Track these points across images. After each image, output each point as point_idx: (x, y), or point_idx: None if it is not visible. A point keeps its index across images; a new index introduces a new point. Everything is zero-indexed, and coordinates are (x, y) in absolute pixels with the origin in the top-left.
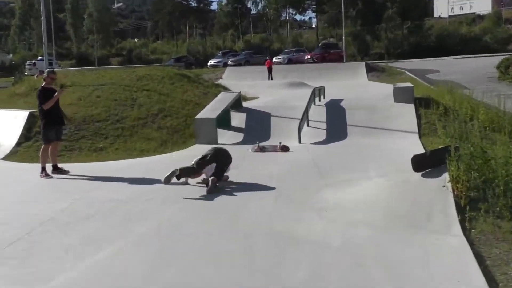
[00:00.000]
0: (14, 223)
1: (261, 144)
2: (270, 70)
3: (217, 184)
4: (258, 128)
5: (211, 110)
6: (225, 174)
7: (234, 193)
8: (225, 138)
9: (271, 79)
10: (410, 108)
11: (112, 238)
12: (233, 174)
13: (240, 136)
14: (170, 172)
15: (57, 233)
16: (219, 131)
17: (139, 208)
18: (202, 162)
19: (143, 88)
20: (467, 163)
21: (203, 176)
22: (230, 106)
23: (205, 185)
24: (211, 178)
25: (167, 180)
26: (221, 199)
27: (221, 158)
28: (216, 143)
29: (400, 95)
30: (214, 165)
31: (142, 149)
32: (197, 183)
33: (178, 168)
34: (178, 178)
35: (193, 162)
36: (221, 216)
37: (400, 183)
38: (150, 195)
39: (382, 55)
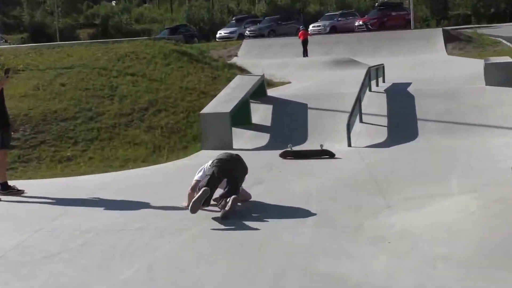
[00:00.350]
0: None
1: (295, 148)
2: (305, 44)
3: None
4: (289, 126)
5: (222, 102)
6: (245, 191)
7: (259, 218)
8: (243, 140)
9: (307, 55)
10: (510, 94)
11: (86, 286)
12: (256, 191)
13: (264, 138)
14: (200, 192)
15: (7, 279)
16: (235, 131)
17: (124, 243)
18: (213, 182)
19: (126, 71)
20: None
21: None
22: (250, 96)
23: (217, 207)
24: (233, 197)
25: (196, 207)
26: (241, 227)
27: (232, 171)
28: (230, 148)
29: (495, 75)
30: (224, 180)
31: (126, 158)
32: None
33: (208, 188)
34: (206, 204)
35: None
36: (242, 252)
37: (495, 202)
38: (140, 223)
39: (467, 17)
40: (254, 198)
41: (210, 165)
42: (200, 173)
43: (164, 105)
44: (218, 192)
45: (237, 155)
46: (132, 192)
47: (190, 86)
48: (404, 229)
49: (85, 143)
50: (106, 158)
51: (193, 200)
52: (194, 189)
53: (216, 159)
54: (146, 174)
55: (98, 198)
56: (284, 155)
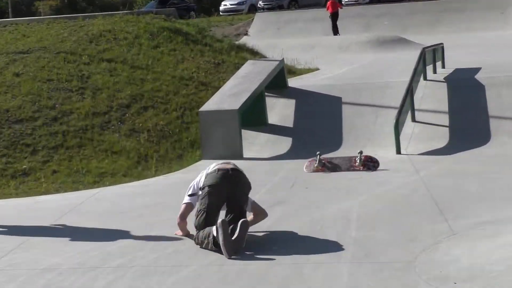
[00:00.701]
0: None
1: (325, 156)
2: (334, 18)
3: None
4: (318, 127)
5: (229, 96)
6: (257, 204)
7: (279, 251)
8: (256, 147)
9: (338, 33)
10: None
11: None
12: (276, 214)
13: (284, 144)
14: (220, 231)
15: None
16: (246, 134)
17: (99, 286)
18: (213, 215)
19: (101, 57)
20: None
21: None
22: (266, 87)
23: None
24: (241, 221)
25: (231, 247)
26: (255, 264)
27: (231, 193)
28: (239, 157)
29: None
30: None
31: (101, 171)
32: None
33: (221, 220)
34: (232, 234)
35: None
36: None
37: None
38: (120, 259)
39: None
40: (273, 223)
41: (201, 188)
42: (190, 192)
43: (152, 101)
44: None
45: (233, 168)
46: (110, 217)
47: (186, 76)
48: (475, 266)
49: (47, 152)
50: (75, 172)
51: (221, 242)
52: (183, 217)
53: (207, 185)
54: (128, 193)
55: (65, 225)
56: (311, 167)
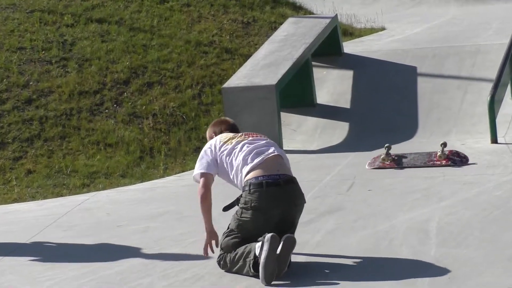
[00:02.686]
0: None
1: (396, 149)
2: None
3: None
4: (385, 108)
5: (263, 67)
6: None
7: (334, 275)
8: (301, 136)
9: None
10: None
11: None
12: (328, 225)
13: (338, 131)
14: (265, 248)
15: None
16: (286, 118)
17: None
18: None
19: (90, 16)
20: None
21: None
22: (313, 55)
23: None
24: (285, 237)
25: (270, 274)
26: None
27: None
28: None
29: None
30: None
31: (92, 171)
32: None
33: (272, 235)
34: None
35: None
36: None
37: None
38: None
39: None
40: (323, 238)
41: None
42: (204, 164)
43: (158, 75)
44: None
45: (287, 179)
46: (105, 231)
47: (205, 40)
48: None
49: (18, 146)
50: (57, 172)
51: (262, 261)
52: (207, 187)
53: (250, 205)
54: (128, 199)
55: (45, 243)
56: (376, 162)
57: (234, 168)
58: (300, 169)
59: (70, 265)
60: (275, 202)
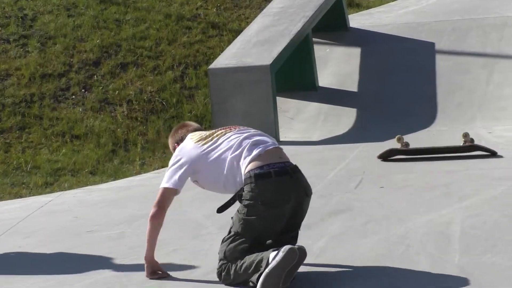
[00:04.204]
0: None
1: (410, 139)
2: None
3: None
4: (398, 91)
5: (256, 45)
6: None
7: None
8: (300, 124)
9: None
10: None
11: None
12: (334, 229)
13: (343, 118)
14: (278, 257)
15: None
16: (284, 104)
17: None
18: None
19: None
20: None
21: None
22: (314, 29)
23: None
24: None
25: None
26: None
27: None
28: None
29: None
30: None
31: (56, 167)
32: None
33: (291, 248)
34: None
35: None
36: None
37: None
38: None
39: None
40: (328, 244)
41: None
42: (180, 172)
43: (134, 55)
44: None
45: (293, 166)
46: (72, 238)
47: (188, 14)
48: None
49: None
50: (16, 169)
51: (266, 273)
52: (162, 206)
53: (266, 199)
54: (99, 200)
55: (3, 252)
56: (388, 155)
57: (226, 165)
58: (300, 163)
59: (31, 278)
60: (287, 193)
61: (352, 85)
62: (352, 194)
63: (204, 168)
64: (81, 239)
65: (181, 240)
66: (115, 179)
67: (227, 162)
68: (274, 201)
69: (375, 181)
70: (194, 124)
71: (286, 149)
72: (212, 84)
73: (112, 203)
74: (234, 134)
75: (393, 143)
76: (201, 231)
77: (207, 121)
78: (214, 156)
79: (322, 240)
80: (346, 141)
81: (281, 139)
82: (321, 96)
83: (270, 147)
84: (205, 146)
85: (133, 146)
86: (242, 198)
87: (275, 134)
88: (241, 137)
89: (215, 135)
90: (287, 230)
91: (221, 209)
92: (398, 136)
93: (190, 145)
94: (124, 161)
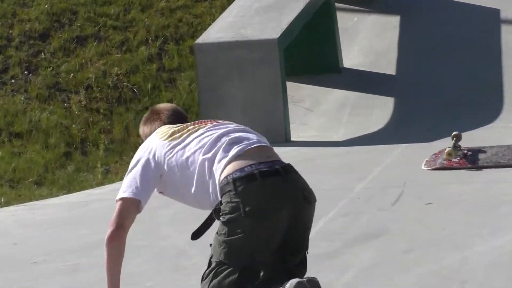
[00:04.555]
0: None
1: (467, 138)
2: None
3: None
4: (450, 74)
5: (258, 11)
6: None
7: None
8: (319, 119)
9: None
10: None
11: None
12: (364, 260)
13: (377, 110)
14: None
15: None
16: (297, 91)
17: None
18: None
19: None
20: None
21: None
22: None
23: None
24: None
25: None
26: None
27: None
28: (284, 140)
29: None
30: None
31: None
32: None
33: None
34: None
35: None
36: None
37: None
38: None
39: None
40: (358, 275)
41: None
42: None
43: (94, 26)
44: None
45: (285, 165)
46: (14, 272)
47: None
48: None
49: None
50: None
51: None
52: (121, 224)
53: (246, 211)
54: (47, 220)
55: None
56: (438, 160)
57: (197, 172)
58: (318, 170)
59: None
60: (278, 198)
61: (387, 67)
62: (388, 212)
63: (169, 176)
64: (22, 272)
65: (159, 274)
66: (68, 192)
67: (197, 167)
68: (262, 210)
69: (419, 195)
70: (172, 107)
71: (299, 152)
72: (200, 64)
73: (64, 224)
74: (208, 131)
75: (444, 144)
76: (184, 262)
77: (193, 114)
78: (180, 159)
79: (349, 273)
80: (379, 142)
81: (293, 138)
82: (346, 80)
83: (254, 146)
84: (171, 146)
85: (94, 147)
86: (221, 214)
87: (284, 131)
88: (216, 134)
89: (185, 131)
90: (288, 253)
91: (196, 234)
92: (454, 133)
93: (155, 142)
94: (81, 167)
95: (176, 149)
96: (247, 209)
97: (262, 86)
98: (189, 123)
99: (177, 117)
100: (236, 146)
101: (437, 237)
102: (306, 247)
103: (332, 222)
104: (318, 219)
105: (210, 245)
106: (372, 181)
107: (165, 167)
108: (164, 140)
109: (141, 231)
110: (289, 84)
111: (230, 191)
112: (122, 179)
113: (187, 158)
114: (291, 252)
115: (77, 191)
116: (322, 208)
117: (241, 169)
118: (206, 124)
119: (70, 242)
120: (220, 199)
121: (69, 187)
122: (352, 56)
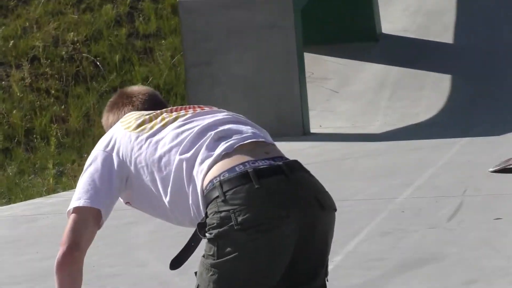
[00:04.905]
0: None
1: None
2: None
3: None
4: None
5: None
6: None
7: None
8: (347, 103)
9: None
10: None
11: None
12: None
13: (428, 91)
14: None
15: None
16: (317, 63)
17: None
18: None
19: None
20: None
21: None
22: None
23: None
24: None
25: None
26: None
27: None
28: (301, 132)
29: None
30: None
31: None
32: None
33: None
34: None
35: None
36: None
37: None
38: None
39: None
40: None
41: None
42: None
43: None
44: None
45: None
46: None
47: None
48: None
49: None
50: None
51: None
52: (77, 243)
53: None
54: None
55: None
56: (510, 162)
57: (172, 176)
58: (347, 174)
59: None
60: (284, 204)
61: (442, 33)
62: (443, 230)
63: (137, 179)
64: None
65: None
66: (9, 202)
67: (173, 170)
68: (261, 221)
69: (484, 207)
70: (148, 94)
71: (322, 149)
72: (187, 29)
73: (6, 244)
74: (188, 122)
75: None
76: None
77: (178, 97)
78: (151, 158)
79: None
80: (430, 135)
81: (313, 130)
82: (386, 51)
83: (247, 141)
84: (139, 139)
85: (43, 141)
86: (207, 228)
87: (301, 120)
88: (199, 127)
89: (159, 119)
90: (300, 280)
91: (176, 262)
92: None
93: (119, 133)
94: (25, 169)
95: (146, 144)
96: (240, 219)
97: (271, 60)
98: (164, 110)
99: (154, 104)
100: (223, 143)
101: (509, 264)
102: (326, 272)
103: (366, 243)
104: (348, 240)
105: (195, 273)
106: (421, 188)
107: (132, 167)
108: (131, 131)
109: (113, 255)
110: (307, 57)
111: (217, 197)
112: (61, 188)
113: (160, 157)
114: (305, 278)
115: (21, 200)
116: (353, 225)
117: (230, 169)
118: (187, 111)
119: (13, 270)
120: (204, 211)
121: (10, 195)
122: (394, 18)
